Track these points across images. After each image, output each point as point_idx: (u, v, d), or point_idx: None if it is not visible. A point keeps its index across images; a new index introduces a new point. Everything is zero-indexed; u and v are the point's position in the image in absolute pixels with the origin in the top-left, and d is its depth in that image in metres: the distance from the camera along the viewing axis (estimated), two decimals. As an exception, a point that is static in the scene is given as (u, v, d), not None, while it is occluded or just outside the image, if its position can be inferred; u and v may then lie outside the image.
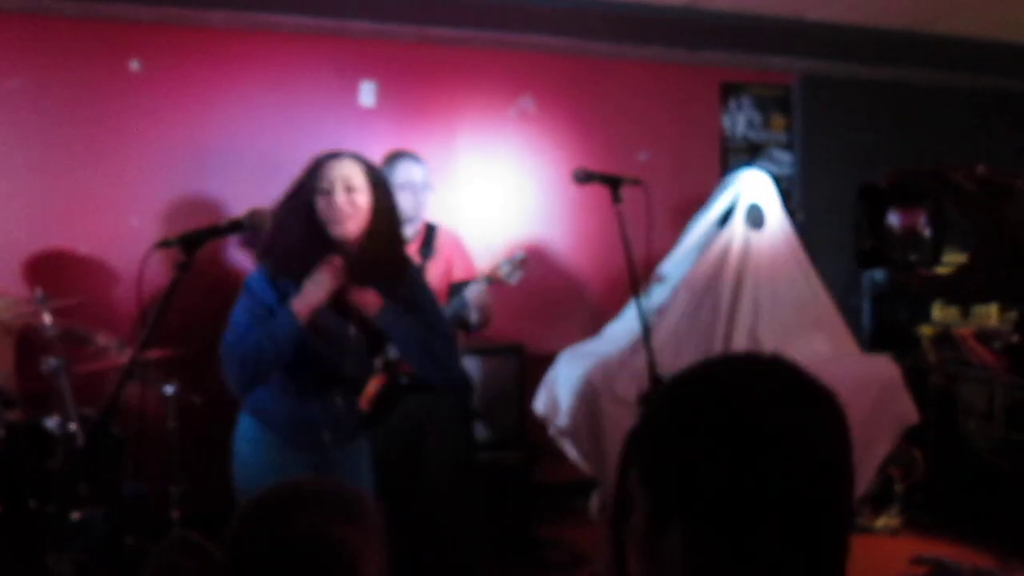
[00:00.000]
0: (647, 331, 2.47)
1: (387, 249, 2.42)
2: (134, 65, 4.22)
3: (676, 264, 3.72)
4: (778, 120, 5.38)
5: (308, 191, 2.41)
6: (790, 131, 5.42)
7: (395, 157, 3.53)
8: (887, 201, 0.84)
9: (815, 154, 5.46)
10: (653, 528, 0.85)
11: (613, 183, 2.61)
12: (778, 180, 5.35)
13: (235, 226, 1.99)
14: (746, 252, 3.53)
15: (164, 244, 1.92)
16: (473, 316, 3.34)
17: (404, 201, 3.42)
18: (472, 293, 3.22)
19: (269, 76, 4.43)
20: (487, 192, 4.77)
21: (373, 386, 3.42)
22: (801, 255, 3.81)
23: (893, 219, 0.83)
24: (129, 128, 4.22)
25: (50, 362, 3.25)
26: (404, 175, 3.42)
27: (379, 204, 2.40)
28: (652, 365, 2.40)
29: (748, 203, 3.63)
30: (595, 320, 4.67)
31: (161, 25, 4.23)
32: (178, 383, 3.49)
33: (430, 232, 3.53)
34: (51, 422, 3.24)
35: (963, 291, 0.80)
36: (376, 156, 4.54)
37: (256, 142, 4.40)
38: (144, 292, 2.48)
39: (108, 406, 1.92)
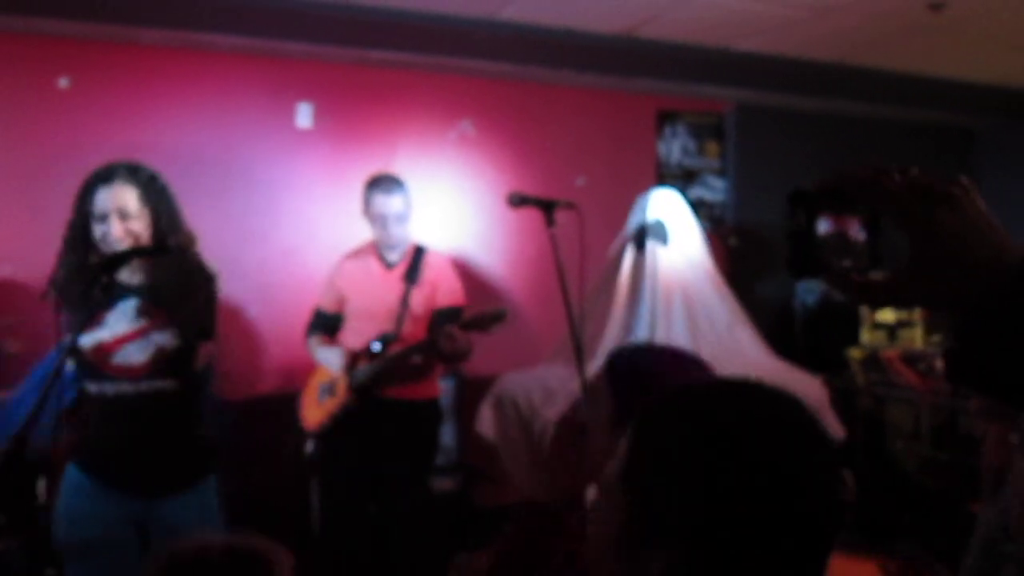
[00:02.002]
0: (580, 354, 2.48)
1: (174, 268, 2.35)
2: (63, 82, 4.11)
3: (600, 288, 3.75)
4: (712, 147, 5.49)
5: (82, 216, 2.32)
6: (723, 158, 5.53)
7: (371, 185, 3.45)
8: (818, 207, 0.83)
9: (747, 181, 5.58)
10: (637, 553, 0.84)
11: (547, 207, 2.62)
12: (711, 206, 5.47)
13: (160, 248, 1.95)
14: (655, 268, 3.59)
15: (86, 267, 1.87)
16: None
17: (378, 232, 3.39)
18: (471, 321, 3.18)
19: (203, 96, 4.36)
20: (426, 214, 4.75)
21: (335, 403, 3.38)
22: (715, 272, 3.86)
23: (824, 225, 0.83)
24: (57, 146, 4.11)
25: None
26: (378, 207, 3.37)
27: (159, 224, 2.32)
28: (585, 388, 2.41)
29: (653, 220, 3.68)
30: (532, 343, 4.69)
31: (91, 42, 4.13)
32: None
33: (418, 255, 3.48)
34: None
35: (898, 297, 0.80)
36: (314, 177, 4.53)
37: (190, 162, 4.32)
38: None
39: (21, 431, 1.85)
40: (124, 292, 2.22)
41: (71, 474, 2.40)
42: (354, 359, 3.35)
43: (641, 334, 3.49)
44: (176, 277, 2.26)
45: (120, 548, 2.37)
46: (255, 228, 4.45)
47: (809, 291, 5.38)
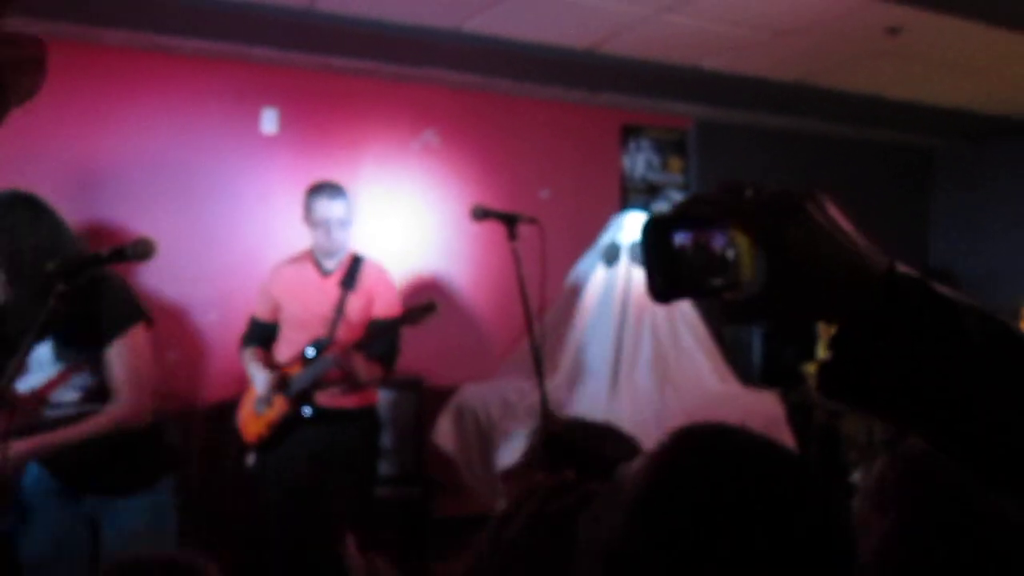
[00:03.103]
0: (539, 368, 2.49)
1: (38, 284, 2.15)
2: (21, 81, 4.05)
3: (565, 301, 3.78)
4: (675, 162, 5.56)
5: None
6: (686, 173, 5.60)
7: (313, 192, 3.47)
8: (676, 228, 0.80)
9: (710, 196, 5.64)
10: None
11: (509, 220, 2.64)
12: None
13: (118, 255, 1.93)
14: (629, 289, 3.63)
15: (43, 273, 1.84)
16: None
17: (319, 238, 3.39)
18: (375, 332, 3.19)
19: (167, 99, 4.32)
20: (389, 223, 4.75)
21: (274, 413, 3.36)
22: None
23: (683, 242, 0.79)
24: (12, 146, 4.04)
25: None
26: (321, 212, 3.37)
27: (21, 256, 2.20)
28: (544, 402, 2.42)
29: (631, 242, 3.73)
30: (493, 355, 4.70)
31: (51, 40, 4.06)
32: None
33: (355, 265, 3.48)
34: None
35: (759, 314, 0.78)
36: (278, 183, 4.51)
37: (152, 165, 4.28)
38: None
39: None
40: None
41: (31, 468, 2.38)
42: (282, 379, 3.33)
43: (604, 349, 3.53)
44: (75, 306, 2.12)
45: (73, 544, 2.36)
46: (218, 234, 4.42)
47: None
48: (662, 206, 5.50)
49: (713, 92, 5.00)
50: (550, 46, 4.24)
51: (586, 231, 5.01)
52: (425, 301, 3.12)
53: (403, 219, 4.80)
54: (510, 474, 2.83)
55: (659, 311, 3.72)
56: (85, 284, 2.09)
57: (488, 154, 5.02)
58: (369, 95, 4.73)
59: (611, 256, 3.74)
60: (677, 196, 5.58)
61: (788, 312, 0.77)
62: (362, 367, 3.21)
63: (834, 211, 0.76)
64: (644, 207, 5.45)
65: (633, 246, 3.75)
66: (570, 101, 5.18)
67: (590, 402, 3.41)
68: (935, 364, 0.69)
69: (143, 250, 1.96)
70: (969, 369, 0.69)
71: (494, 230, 4.81)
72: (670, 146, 5.55)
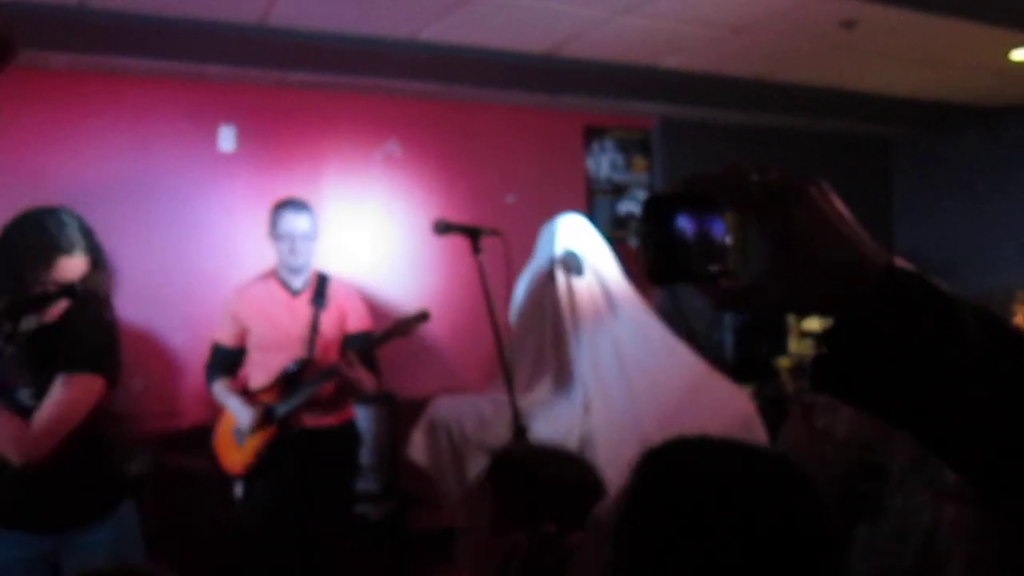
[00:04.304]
0: (510, 384, 2.46)
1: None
2: (-33, 109, 3.95)
3: (523, 317, 3.73)
4: (639, 161, 5.55)
5: None
6: (651, 172, 5.60)
7: (279, 207, 3.41)
8: (675, 209, 0.79)
9: (676, 194, 5.65)
10: None
11: (472, 234, 2.60)
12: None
13: (67, 292, 1.86)
14: (573, 301, 3.58)
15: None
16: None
17: (284, 253, 3.33)
18: (361, 342, 3.17)
19: (120, 120, 4.24)
20: (353, 236, 4.69)
21: (260, 438, 3.29)
22: (631, 292, 3.87)
23: (684, 226, 0.78)
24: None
25: None
26: (286, 225, 3.31)
27: None
28: (516, 416, 2.39)
29: (563, 250, 3.68)
30: (462, 366, 4.66)
31: (-2, 67, 3.97)
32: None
33: (321, 282, 3.43)
34: None
35: (760, 303, 0.77)
36: (239, 201, 4.44)
37: (107, 189, 4.19)
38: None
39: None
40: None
41: None
42: (265, 413, 3.27)
43: (566, 365, 3.50)
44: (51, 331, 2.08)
45: None
46: (178, 255, 4.34)
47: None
48: (628, 206, 5.49)
49: (674, 90, 5.00)
50: (508, 51, 4.21)
51: (553, 235, 5.00)
52: (417, 311, 3.09)
53: (368, 231, 4.75)
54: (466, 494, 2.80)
55: (611, 316, 3.68)
56: (74, 312, 2.04)
57: (452, 161, 4.98)
58: (328, 108, 4.67)
59: (551, 271, 3.68)
60: (643, 195, 5.57)
61: (787, 301, 0.76)
62: (365, 375, 3.16)
63: (836, 201, 0.75)
64: (610, 207, 5.44)
65: (566, 255, 3.69)
66: (531, 105, 5.15)
67: (564, 424, 3.38)
68: (932, 359, 0.68)
69: (92, 285, 1.89)
70: (966, 365, 0.68)
71: (459, 240, 4.79)
72: (634, 146, 5.54)
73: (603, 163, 5.43)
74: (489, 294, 2.53)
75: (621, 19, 3.84)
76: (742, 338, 5.45)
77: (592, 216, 5.23)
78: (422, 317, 3.07)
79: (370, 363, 3.24)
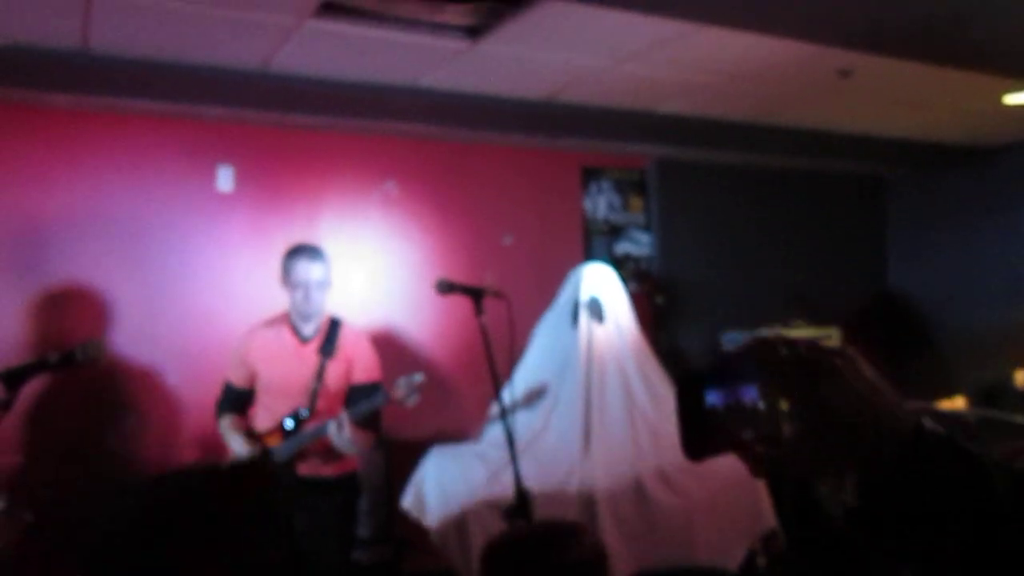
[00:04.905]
0: (511, 442, 2.45)
1: None
2: (-34, 148, 3.94)
3: (531, 368, 3.71)
4: (636, 202, 5.57)
5: None
6: (647, 212, 5.62)
7: (292, 254, 3.37)
8: (705, 385, 0.83)
9: (670, 233, 5.68)
10: None
11: (475, 295, 2.60)
12: (638, 260, 5.54)
13: (67, 360, 1.86)
14: (590, 347, 3.58)
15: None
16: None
17: (297, 301, 3.31)
18: (361, 410, 3.12)
19: (119, 159, 4.23)
20: (350, 277, 4.68)
21: None
22: (644, 346, 3.87)
23: (715, 399, 0.82)
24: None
25: None
26: (300, 274, 3.29)
27: None
28: (518, 479, 2.37)
29: (588, 297, 3.69)
30: (459, 405, 4.64)
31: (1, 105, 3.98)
32: (8, 497, 3.19)
33: (333, 329, 3.39)
34: None
35: (794, 466, 0.81)
36: (236, 242, 4.43)
37: (106, 226, 4.18)
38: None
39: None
40: None
41: None
42: (263, 451, 3.25)
43: (573, 411, 3.49)
44: None
45: None
46: (175, 294, 4.32)
47: (733, 341, 5.47)
48: (624, 247, 5.51)
49: (670, 132, 5.03)
50: (507, 98, 4.23)
51: (550, 275, 4.98)
52: (412, 382, 3.05)
53: (366, 272, 4.75)
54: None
55: (624, 362, 3.67)
56: None
57: (449, 203, 4.99)
58: (326, 149, 4.68)
59: (573, 315, 3.69)
60: (639, 235, 5.59)
61: (818, 464, 0.79)
62: (356, 438, 3.13)
63: (864, 366, 0.79)
64: (607, 247, 5.45)
65: (591, 301, 3.70)
66: (529, 146, 5.17)
67: (564, 466, 3.36)
68: (961, 514, 0.72)
69: (92, 352, 1.89)
70: (993, 518, 0.71)
71: (461, 277, 4.78)
72: (630, 186, 5.56)
73: (600, 203, 5.45)
74: (492, 354, 2.52)
75: (621, 67, 3.87)
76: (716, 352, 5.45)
77: (589, 256, 5.25)
78: (418, 388, 3.05)
79: (371, 421, 3.21)
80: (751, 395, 0.81)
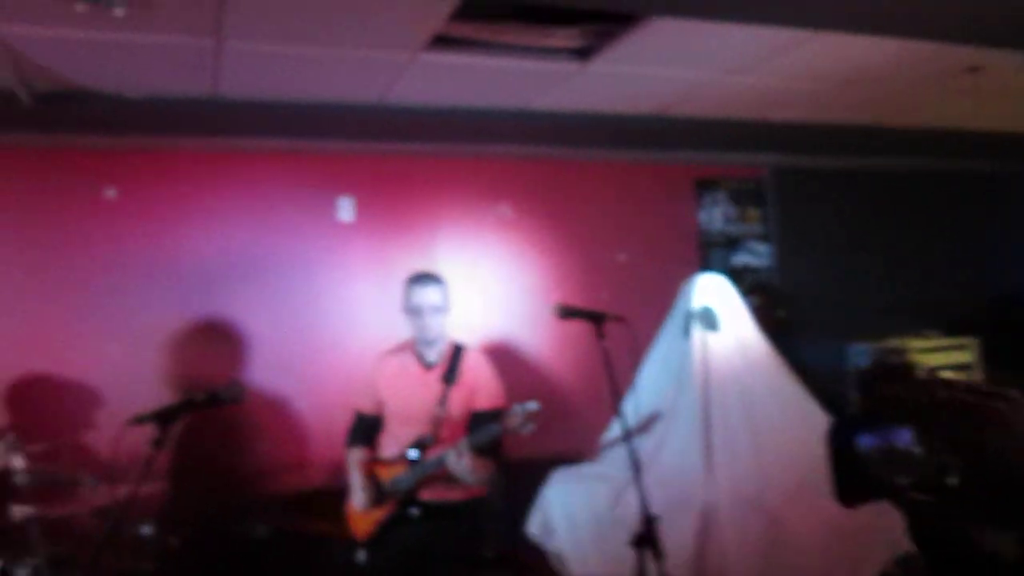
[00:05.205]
0: (637, 470, 2.42)
1: None
2: (110, 192, 4.21)
3: (649, 387, 3.64)
4: (752, 212, 5.45)
5: None
6: (765, 222, 5.47)
7: (411, 281, 3.44)
8: (857, 430, 0.79)
9: (791, 242, 5.51)
10: None
11: (595, 319, 2.58)
12: (756, 271, 5.40)
13: (213, 399, 1.96)
14: (706, 358, 3.49)
15: (137, 420, 1.89)
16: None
17: (415, 326, 3.38)
18: (478, 439, 3.14)
19: (245, 195, 4.44)
20: (469, 300, 4.74)
21: (381, 512, 3.35)
22: (770, 354, 3.74)
23: (867, 444, 0.78)
24: (106, 254, 4.20)
25: (20, 511, 3.14)
26: (417, 300, 3.36)
27: None
28: (644, 506, 2.35)
29: (700, 307, 3.60)
30: (578, 426, 4.60)
31: (135, 152, 4.24)
32: (155, 524, 3.38)
33: (456, 355, 3.44)
34: (22, 573, 3.12)
35: (956, 514, 0.76)
36: (357, 270, 4.57)
37: (236, 262, 4.39)
38: (122, 449, 2.39)
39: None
40: None
41: None
42: (379, 492, 3.32)
43: (691, 424, 3.41)
44: None
45: None
46: (301, 323, 4.49)
47: (861, 354, 5.26)
48: (743, 258, 5.38)
49: (787, 141, 4.90)
50: (618, 115, 4.21)
51: (666, 291, 4.92)
52: (527, 411, 3.05)
53: (483, 294, 4.80)
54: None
55: (746, 377, 3.57)
56: None
57: (562, 222, 5.00)
58: (441, 175, 4.77)
59: (685, 326, 3.62)
60: (757, 246, 5.45)
61: (982, 513, 0.76)
62: (475, 467, 3.14)
63: None
64: (724, 260, 5.34)
65: (703, 310, 3.62)
66: (641, 161, 5.13)
67: (685, 485, 3.29)
68: None
69: (235, 394, 1.98)
70: None
71: (577, 296, 4.78)
72: (746, 196, 5.44)
73: (715, 215, 5.35)
74: (615, 379, 2.50)
75: (733, 79, 3.79)
76: (867, 393, 5.23)
77: (706, 270, 5.15)
78: (532, 417, 3.04)
79: (491, 449, 3.23)
80: (905, 439, 0.78)
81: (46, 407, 4.01)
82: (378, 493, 3.32)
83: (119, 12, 2.60)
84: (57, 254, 4.13)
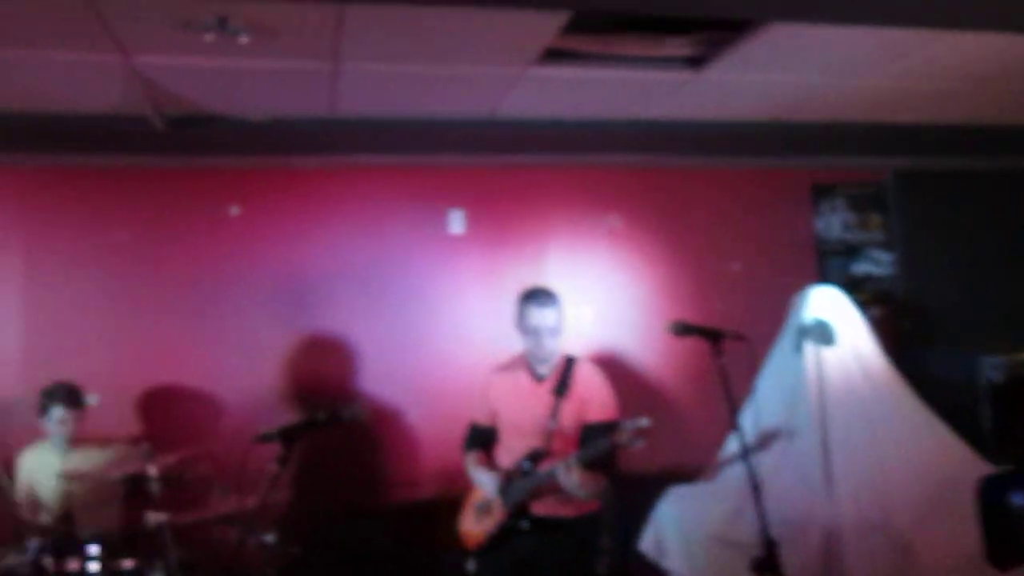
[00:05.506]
0: (757, 491, 2.34)
1: None
2: (233, 210, 4.39)
3: (764, 403, 3.52)
4: (874, 219, 5.22)
5: None
6: (887, 229, 5.24)
7: (526, 300, 3.41)
8: (1009, 487, 0.73)
9: (915, 249, 5.25)
10: None
11: (713, 337, 2.51)
12: (878, 281, 5.17)
13: (333, 418, 2.00)
14: (821, 374, 3.33)
15: (262, 438, 1.95)
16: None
17: (530, 345, 3.38)
18: (588, 454, 3.12)
19: (360, 210, 4.54)
20: (579, 311, 4.71)
21: (491, 522, 3.37)
22: (889, 367, 3.56)
23: (1021, 502, 0.72)
24: (229, 269, 4.37)
25: (154, 517, 3.29)
26: (533, 321, 3.34)
27: None
28: (765, 529, 2.27)
29: (813, 320, 3.45)
30: (691, 442, 4.51)
31: (257, 171, 4.40)
32: (278, 532, 3.48)
33: (567, 367, 3.41)
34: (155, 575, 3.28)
35: None
36: (467, 282, 4.61)
37: (351, 275, 4.50)
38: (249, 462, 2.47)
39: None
40: None
41: None
42: (508, 480, 3.33)
43: (809, 443, 3.28)
44: None
45: None
46: (412, 335, 4.56)
47: (995, 367, 4.97)
48: (863, 267, 5.17)
49: (911, 143, 4.68)
50: (732, 122, 4.12)
51: (781, 301, 4.76)
52: (637, 427, 2.99)
53: (593, 306, 4.77)
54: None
55: (867, 394, 3.41)
56: None
57: (672, 230, 4.91)
58: (551, 186, 4.76)
59: (798, 340, 3.48)
60: (879, 254, 5.23)
61: None
62: (585, 481, 3.13)
63: None
64: (843, 269, 5.14)
65: (816, 324, 3.47)
66: (754, 167, 4.99)
67: (804, 506, 3.17)
68: None
69: (357, 412, 2.03)
70: None
71: (689, 308, 4.69)
72: (867, 202, 5.22)
73: (834, 222, 5.15)
74: (732, 396, 2.43)
75: (854, 82, 3.65)
76: (1001, 406, 4.93)
77: (824, 280, 4.97)
78: (643, 433, 2.98)
79: (603, 463, 3.19)
80: None
81: (174, 417, 4.20)
82: (507, 483, 3.32)
83: (244, 40, 2.71)
84: (184, 269, 4.32)
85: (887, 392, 3.47)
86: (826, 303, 3.53)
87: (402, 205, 4.60)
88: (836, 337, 3.42)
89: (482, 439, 3.58)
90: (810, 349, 3.41)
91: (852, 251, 5.18)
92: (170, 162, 4.27)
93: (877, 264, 5.20)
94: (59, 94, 3.36)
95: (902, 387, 3.54)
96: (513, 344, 3.57)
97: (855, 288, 5.05)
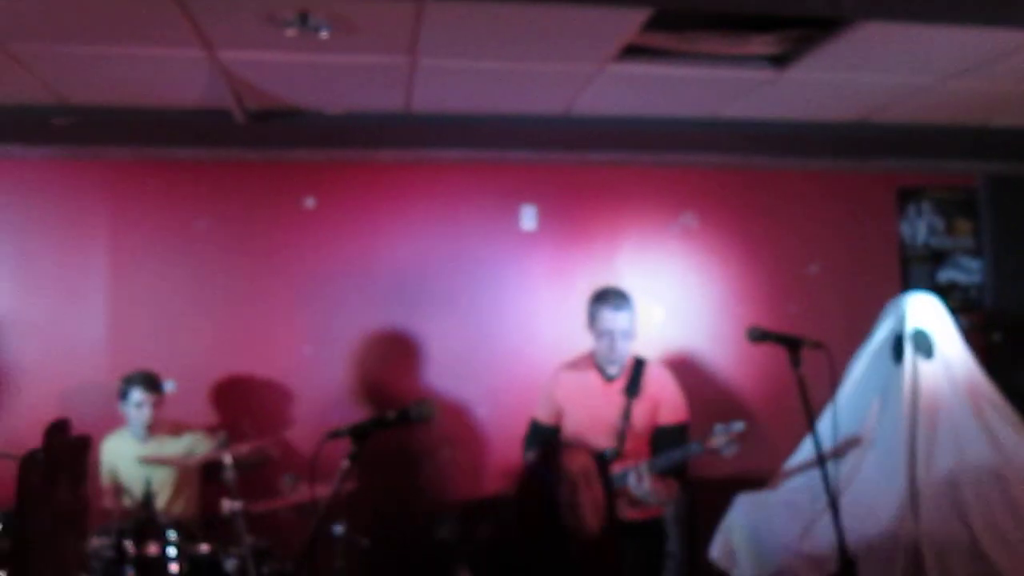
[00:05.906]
0: (835, 504, 2.26)
1: None
2: (308, 202, 4.45)
3: (843, 409, 3.39)
4: (963, 225, 5.01)
5: None
6: (977, 236, 5.02)
7: (598, 299, 3.37)
8: None
9: (1007, 257, 5.03)
10: None
11: (791, 345, 2.43)
12: (965, 289, 4.97)
13: (403, 418, 2.01)
14: (916, 386, 3.20)
15: (334, 435, 1.97)
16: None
17: (602, 347, 3.35)
18: (673, 459, 3.07)
19: (433, 205, 4.56)
20: (651, 310, 4.64)
21: None
22: (985, 385, 3.40)
23: None
24: (304, 261, 4.44)
25: (229, 504, 3.35)
26: (606, 324, 3.30)
27: None
28: (842, 545, 2.19)
29: (913, 329, 3.30)
30: (763, 448, 4.40)
31: (332, 164, 4.46)
32: (347, 523, 3.52)
33: (637, 368, 3.38)
34: (230, 563, 3.34)
35: None
36: (538, 279, 4.59)
37: (422, 269, 4.52)
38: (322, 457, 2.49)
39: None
40: None
41: None
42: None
43: (893, 455, 3.17)
44: None
45: None
46: (483, 330, 4.56)
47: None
48: (950, 274, 4.97)
49: (1006, 148, 4.48)
50: (814, 122, 4.00)
51: (862, 307, 4.61)
52: (735, 426, 2.94)
53: (665, 305, 4.70)
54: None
55: (956, 410, 3.26)
56: None
57: (750, 231, 4.80)
58: (624, 184, 4.70)
59: (896, 350, 3.35)
60: (967, 262, 5.02)
61: None
62: (657, 489, 3.09)
63: None
64: (928, 276, 4.95)
65: (917, 334, 3.33)
66: (837, 169, 4.85)
67: (883, 519, 3.05)
68: None
69: (426, 411, 2.02)
70: None
71: (762, 311, 4.58)
72: (955, 207, 5.01)
73: (920, 227, 4.97)
74: (811, 409, 2.36)
75: (947, 84, 3.50)
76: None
77: (908, 286, 4.80)
78: (737, 438, 2.92)
79: (677, 469, 3.14)
80: None
81: (248, 406, 4.28)
82: None
83: (324, 35, 2.74)
84: (262, 262, 4.41)
85: (977, 408, 3.32)
86: (927, 312, 3.39)
87: (475, 201, 4.61)
88: (935, 349, 3.29)
89: (543, 438, 3.54)
90: (909, 359, 3.28)
91: (938, 257, 4.98)
92: (250, 156, 4.35)
93: (965, 272, 5.00)
94: (145, 89, 3.45)
95: (995, 404, 3.39)
96: (582, 342, 3.54)
97: (941, 296, 4.85)
